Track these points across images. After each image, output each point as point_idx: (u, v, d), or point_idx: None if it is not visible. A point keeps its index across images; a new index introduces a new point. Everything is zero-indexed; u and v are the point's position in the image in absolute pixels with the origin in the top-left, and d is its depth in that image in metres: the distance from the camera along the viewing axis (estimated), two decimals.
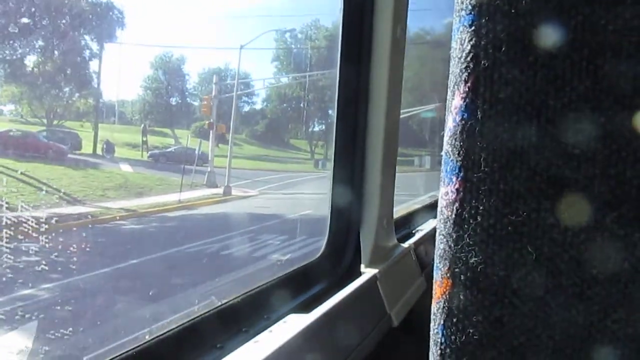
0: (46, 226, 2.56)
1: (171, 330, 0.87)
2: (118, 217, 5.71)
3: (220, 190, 8.33)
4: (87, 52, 6.76)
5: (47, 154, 6.22)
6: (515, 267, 0.43)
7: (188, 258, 5.13)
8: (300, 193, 10.15)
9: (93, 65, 7.20)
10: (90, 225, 4.82)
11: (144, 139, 9.72)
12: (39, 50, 5.87)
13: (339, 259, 1.39)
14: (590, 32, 0.40)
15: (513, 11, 0.41)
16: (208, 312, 0.96)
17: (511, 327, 0.44)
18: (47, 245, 2.53)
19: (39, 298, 2.84)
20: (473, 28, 0.43)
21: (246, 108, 13.83)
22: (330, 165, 1.44)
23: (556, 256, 0.43)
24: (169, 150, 10.03)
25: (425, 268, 1.75)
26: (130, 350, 0.79)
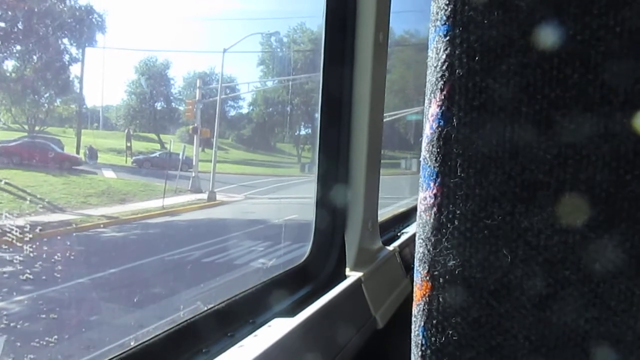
0: (22, 235, 2.52)
1: (157, 335, 0.87)
2: (100, 225, 5.63)
3: (204, 196, 8.27)
4: (68, 57, 6.69)
5: (62, 164, 6.23)
6: (491, 269, 0.45)
7: (168, 266, 5.07)
8: (286, 197, 10.12)
9: (75, 70, 7.12)
10: (69, 234, 4.74)
11: (128, 144, 9.62)
12: (18, 54, 5.79)
13: (324, 262, 1.39)
14: (560, 42, 0.42)
15: (486, 22, 0.43)
16: (193, 317, 0.96)
17: (489, 327, 0.45)
18: (21, 255, 2.48)
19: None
20: (448, 38, 0.44)
21: (232, 112, 13.77)
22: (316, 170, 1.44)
23: (530, 258, 0.44)
24: (153, 155, 9.93)
25: (410, 270, 1.76)
26: (115, 356, 0.79)
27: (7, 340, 2.28)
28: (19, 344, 2.31)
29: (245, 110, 14.07)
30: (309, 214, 1.45)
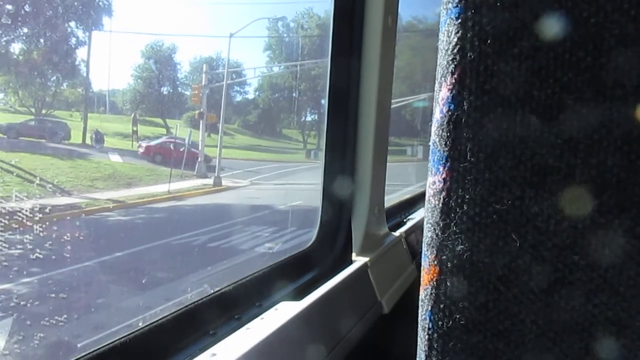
0: (28, 217, 2.53)
1: (165, 317, 0.88)
2: (105, 208, 5.67)
3: (210, 181, 8.30)
4: (74, 40, 6.67)
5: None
6: (500, 254, 0.45)
7: (173, 250, 5.11)
8: (292, 183, 10.14)
9: (81, 53, 7.11)
10: (75, 217, 4.78)
11: (134, 128, 9.63)
12: (25, 38, 5.78)
13: (331, 247, 1.40)
14: (573, 25, 0.41)
15: (498, 4, 0.42)
16: (201, 299, 0.97)
17: (496, 312, 0.45)
18: (27, 237, 2.50)
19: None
20: (460, 21, 0.44)
21: (238, 98, 13.76)
22: (322, 155, 1.44)
23: (539, 243, 0.44)
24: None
25: (416, 256, 1.77)
26: (124, 336, 0.80)
27: (15, 320, 2.32)
28: (28, 322, 2.34)
29: (251, 96, 14.04)
30: (314, 200, 1.45)
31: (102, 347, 0.78)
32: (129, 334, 0.80)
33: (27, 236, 2.50)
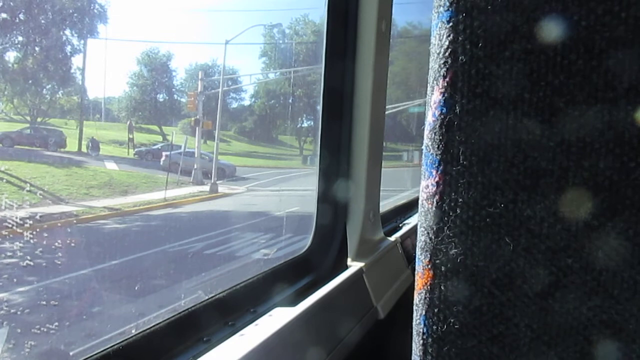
0: (24, 226, 2.52)
1: (158, 323, 0.87)
2: (101, 216, 5.65)
3: (206, 188, 8.29)
4: (69, 48, 6.67)
5: None
6: (493, 257, 0.44)
7: (169, 258, 5.09)
8: (288, 190, 10.14)
9: (77, 61, 7.10)
10: (71, 225, 4.75)
11: (130, 136, 9.63)
12: (20, 46, 5.77)
13: (326, 252, 1.39)
14: (564, 28, 0.41)
15: (489, 7, 0.42)
16: (195, 306, 0.96)
17: (490, 316, 0.45)
18: (22, 245, 2.49)
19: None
20: (451, 24, 0.44)
21: (234, 104, 13.80)
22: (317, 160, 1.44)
23: (533, 247, 0.43)
24: (155, 147, 9.94)
25: (412, 261, 1.76)
26: (117, 344, 0.79)
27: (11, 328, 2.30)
28: (19, 330, 2.32)
29: (247, 103, 14.08)
30: (311, 206, 1.45)
31: (95, 354, 0.77)
32: (121, 341, 0.80)
33: (17, 243, 2.49)
